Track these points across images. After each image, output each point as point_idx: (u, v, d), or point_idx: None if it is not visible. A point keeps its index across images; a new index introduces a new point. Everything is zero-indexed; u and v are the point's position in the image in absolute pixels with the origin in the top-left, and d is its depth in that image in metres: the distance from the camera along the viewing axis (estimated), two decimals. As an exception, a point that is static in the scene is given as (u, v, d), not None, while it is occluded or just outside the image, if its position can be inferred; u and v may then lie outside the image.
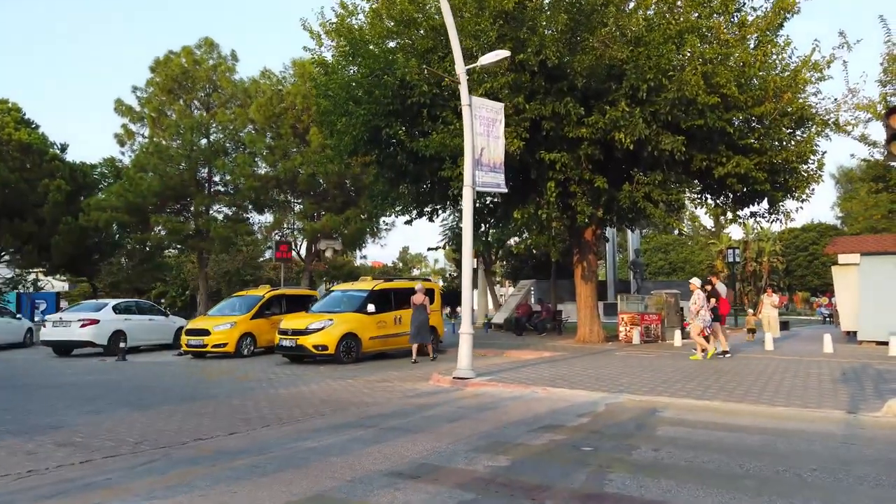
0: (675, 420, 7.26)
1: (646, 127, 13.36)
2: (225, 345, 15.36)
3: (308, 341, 13.69)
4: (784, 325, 27.44)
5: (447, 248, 30.16)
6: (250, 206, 29.69)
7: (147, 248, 34.09)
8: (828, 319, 33.99)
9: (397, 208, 18.52)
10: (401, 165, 15.66)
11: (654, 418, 7.36)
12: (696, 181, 15.53)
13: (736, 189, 14.91)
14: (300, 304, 17.24)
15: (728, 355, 13.62)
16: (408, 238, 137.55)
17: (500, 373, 11.24)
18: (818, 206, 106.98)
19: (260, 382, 11.03)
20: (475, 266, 33.78)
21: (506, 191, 11.04)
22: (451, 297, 35.80)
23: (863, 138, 20.18)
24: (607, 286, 36.02)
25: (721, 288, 15.75)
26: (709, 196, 17.16)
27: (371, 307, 14.34)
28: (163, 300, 40.25)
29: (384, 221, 30.83)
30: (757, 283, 50.64)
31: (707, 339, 13.46)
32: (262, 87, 28.90)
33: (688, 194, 15.08)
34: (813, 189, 15.44)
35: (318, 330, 13.78)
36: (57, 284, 43.55)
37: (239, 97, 29.64)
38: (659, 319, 18.52)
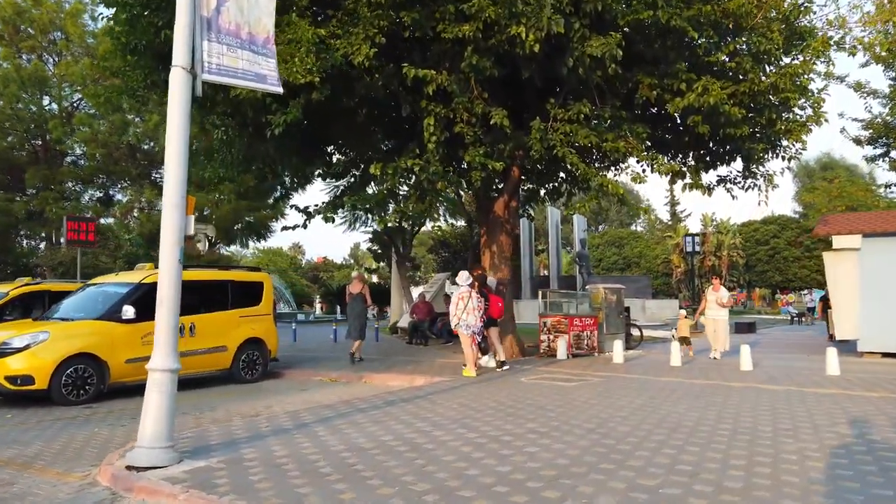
0: None
1: (561, 19, 8.27)
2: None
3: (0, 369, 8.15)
4: (749, 327, 23.09)
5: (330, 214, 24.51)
6: (105, 181, 23.70)
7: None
8: (796, 319, 29.94)
9: (236, 171, 12.99)
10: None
11: None
12: (643, 124, 10.54)
13: (700, 133, 9.95)
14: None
15: (506, 367, 10.79)
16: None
17: (240, 444, 5.94)
18: (776, 198, 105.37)
19: None
20: (375, 245, 28.41)
21: (277, 90, 5.81)
22: (383, 295, 30.67)
23: (858, 86, 15.71)
24: (550, 282, 31.26)
25: (492, 282, 11.97)
26: (665, 152, 12.14)
27: (129, 311, 8.84)
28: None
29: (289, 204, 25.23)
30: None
31: (484, 349, 11.01)
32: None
33: (630, 140, 10.08)
34: (810, 129, 10.59)
35: (20, 350, 8.24)
36: None
37: (93, 47, 23.64)
38: (595, 324, 13.55)
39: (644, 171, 11.47)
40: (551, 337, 13.07)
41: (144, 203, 23.47)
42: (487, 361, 11.69)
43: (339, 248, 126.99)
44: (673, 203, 62.97)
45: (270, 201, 23.93)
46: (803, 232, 47.90)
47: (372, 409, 7.25)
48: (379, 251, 29.29)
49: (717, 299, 12.31)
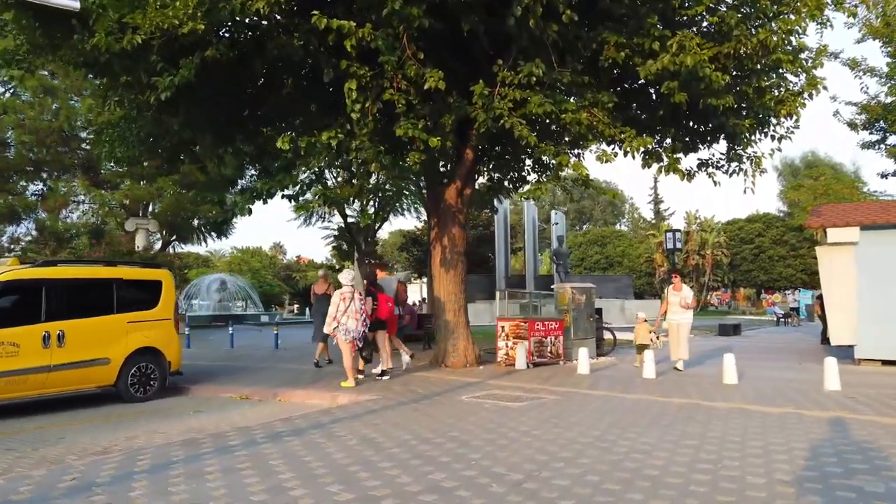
0: None
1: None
2: None
3: None
4: (735, 329, 21.61)
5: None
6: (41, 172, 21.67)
7: None
8: (782, 320, 28.59)
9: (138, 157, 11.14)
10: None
11: None
12: (609, 93, 8.90)
13: (676, 103, 8.33)
14: None
15: (386, 377, 9.71)
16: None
17: None
18: (760, 197, 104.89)
19: None
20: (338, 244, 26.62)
21: (74, 6, 4.13)
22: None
23: (854, 64, 14.22)
24: (526, 282, 29.70)
25: (386, 281, 11.57)
26: (638, 131, 10.45)
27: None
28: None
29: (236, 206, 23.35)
30: (700, 279, 45.51)
31: (368, 355, 9.81)
32: None
33: (595, 111, 8.44)
34: (805, 102, 8.99)
35: None
36: None
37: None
38: (560, 329, 11.92)
39: (613, 150, 9.82)
40: (509, 344, 11.43)
41: (82, 196, 21.49)
42: (407, 364, 10.52)
43: (326, 247, 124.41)
44: (657, 201, 61.77)
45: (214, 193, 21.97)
46: (788, 230, 46.81)
47: (249, 445, 5.54)
48: (344, 248, 27.53)
49: (679, 300, 10.50)
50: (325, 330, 9.35)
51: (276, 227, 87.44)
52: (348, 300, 9.01)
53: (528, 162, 13.16)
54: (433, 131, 8.72)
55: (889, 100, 14.48)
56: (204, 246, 32.94)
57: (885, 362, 11.42)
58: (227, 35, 8.49)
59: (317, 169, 9.30)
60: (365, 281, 10.66)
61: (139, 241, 20.35)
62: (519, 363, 10.97)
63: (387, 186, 22.10)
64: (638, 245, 53.09)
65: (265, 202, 10.26)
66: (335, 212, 22.55)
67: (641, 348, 10.81)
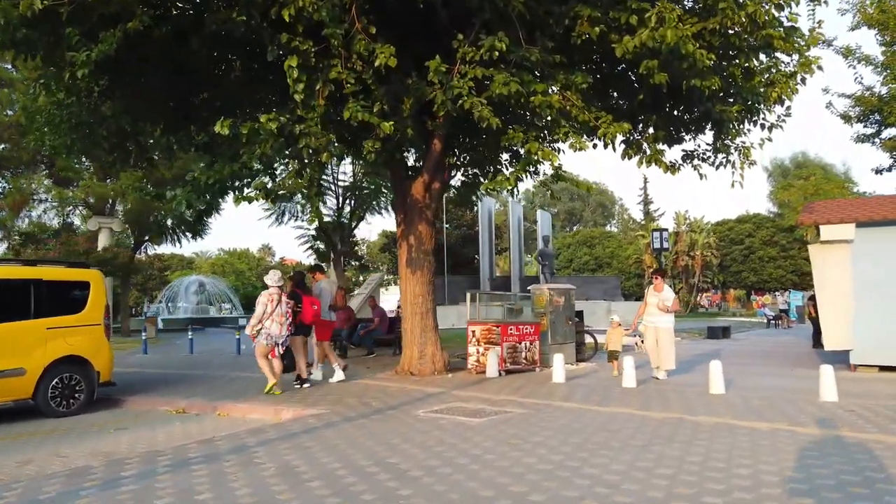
0: None
1: None
2: None
3: None
4: (724, 332, 20.86)
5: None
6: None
7: None
8: (772, 322, 27.91)
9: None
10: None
11: None
12: (584, 74, 8.08)
13: (656, 84, 7.52)
14: None
15: (307, 385, 9.13)
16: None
17: None
18: (750, 198, 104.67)
19: None
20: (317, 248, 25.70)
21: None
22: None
23: (848, 52, 13.50)
24: (511, 283, 28.85)
25: (325, 285, 10.24)
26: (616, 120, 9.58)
27: None
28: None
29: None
30: (689, 280, 44.90)
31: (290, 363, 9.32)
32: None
33: (568, 94, 7.63)
34: (797, 86, 8.21)
35: None
36: None
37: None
38: (537, 333, 11.09)
39: (592, 142, 9.00)
40: (480, 350, 10.58)
41: (43, 194, 20.44)
42: (338, 376, 9.68)
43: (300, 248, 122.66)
44: (646, 202, 61.21)
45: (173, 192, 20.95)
46: (779, 231, 46.28)
47: (144, 477, 4.66)
48: (321, 249, 26.59)
49: (658, 302, 9.56)
50: (247, 331, 8.74)
51: (265, 229, 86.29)
52: (275, 302, 8.51)
53: (506, 157, 12.35)
54: (391, 116, 7.88)
55: (885, 90, 13.77)
56: (178, 246, 31.87)
57: (883, 368, 10.66)
58: (156, 5, 7.60)
59: (265, 159, 8.40)
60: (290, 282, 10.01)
61: (102, 241, 19.34)
62: (490, 371, 10.12)
63: (363, 184, 21.24)
64: (627, 246, 52.41)
65: (211, 197, 9.37)
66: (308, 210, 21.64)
67: (614, 356, 9.96)
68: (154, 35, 7.83)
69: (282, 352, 8.74)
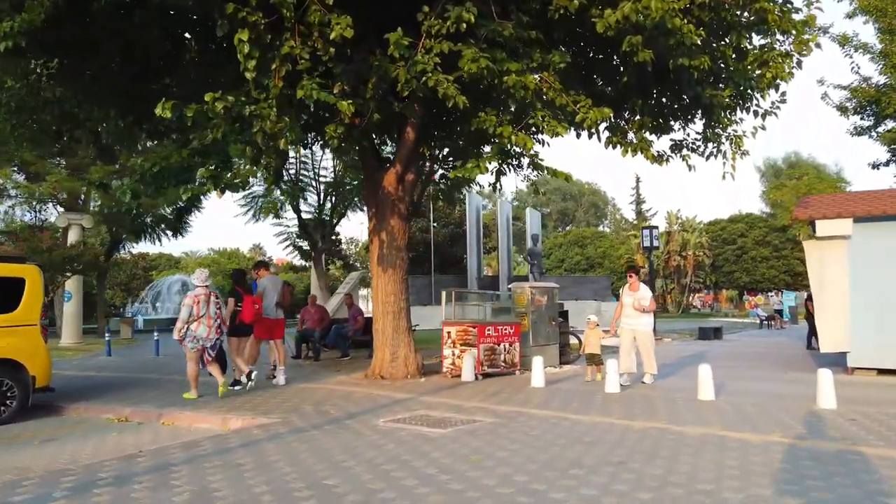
0: None
1: None
2: None
3: None
4: (716, 333, 20.29)
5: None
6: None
7: None
8: (765, 323, 27.41)
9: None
10: None
11: None
12: (561, 53, 7.43)
13: (641, 63, 6.89)
14: None
15: (238, 388, 8.54)
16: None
17: None
18: (742, 198, 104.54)
19: None
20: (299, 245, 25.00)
21: None
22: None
23: (845, 40, 12.93)
24: (499, 283, 28.25)
25: (268, 283, 9.44)
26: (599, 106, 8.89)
27: None
28: None
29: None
30: (681, 280, 44.40)
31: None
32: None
33: (545, 74, 7.00)
34: (793, 68, 7.59)
35: None
36: None
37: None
38: (517, 334, 10.44)
39: (571, 126, 8.36)
40: (456, 352, 9.93)
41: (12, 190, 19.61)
42: (278, 381, 9.22)
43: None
44: (639, 201, 60.75)
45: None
46: (771, 231, 45.88)
47: (37, 502, 3.99)
48: (306, 248, 25.87)
49: (634, 302, 8.77)
50: (174, 335, 8.13)
51: (259, 228, 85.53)
52: (202, 303, 7.94)
53: (488, 149, 11.68)
54: (353, 98, 7.22)
55: (883, 80, 13.20)
56: (158, 245, 31.01)
57: (882, 371, 10.09)
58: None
59: (218, 146, 7.71)
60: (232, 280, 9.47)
61: (72, 238, 18.56)
62: (465, 374, 9.47)
63: (346, 179, 20.56)
64: (619, 246, 51.91)
65: (157, 188, 8.68)
66: (288, 207, 20.90)
67: (592, 359, 9.26)
68: (93, 8, 7.16)
69: (213, 356, 8.17)
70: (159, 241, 29.24)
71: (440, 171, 12.47)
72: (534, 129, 8.10)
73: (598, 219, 76.87)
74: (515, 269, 41.35)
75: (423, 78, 6.46)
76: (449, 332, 10.02)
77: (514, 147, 7.60)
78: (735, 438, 5.54)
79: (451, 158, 11.96)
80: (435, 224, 31.96)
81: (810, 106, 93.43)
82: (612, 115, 7.19)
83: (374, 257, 10.22)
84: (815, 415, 6.60)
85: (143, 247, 32.99)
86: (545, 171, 7.96)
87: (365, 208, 24.34)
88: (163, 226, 27.91)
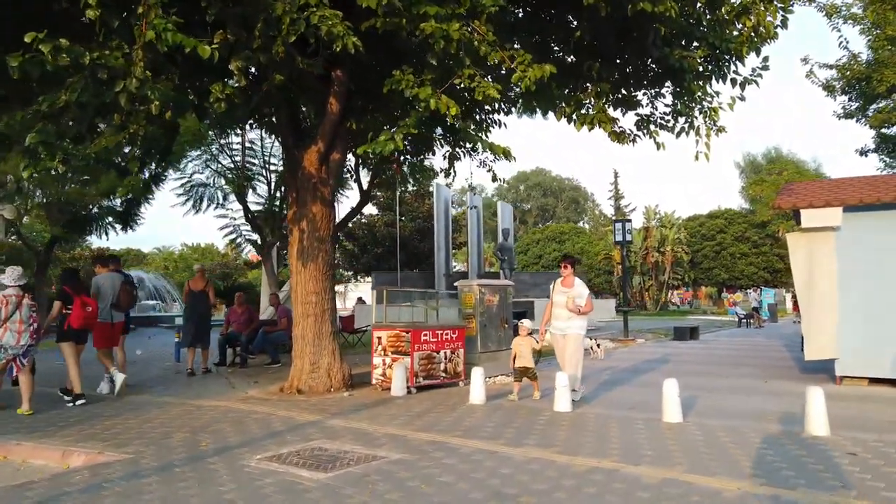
0: None
1: None
2: None
3: None
4: (692, 333, 19.13)
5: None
6: None
7: None
8: (744, 321, 26.36)
9: None
10: None
11: None
12: (512, 20, 6.03)
13: (591, 3, 5.51)
14: None
15: (80, 402, 7.47)
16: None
17: None
18: (721, 193, 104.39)
19: None
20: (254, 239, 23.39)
21: None
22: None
23: (833, 9, 11.71)
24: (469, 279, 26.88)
25: (104, 281, 8.46)
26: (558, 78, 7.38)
27: None
28: None
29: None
30: (660, 277, 43.43)
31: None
32: None
33: (477, 24, 5.60)
34: (778, 11, 6.27)
35: None
36: None
37: None
38: (461, 339, 9.03)
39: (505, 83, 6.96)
40: (388, 360, 8.50)
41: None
42: (116, 389, 8.22)
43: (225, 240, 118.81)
44: (617, 197, 59.74)
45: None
46: (751, 227, 45.10)
47: None
48: (257, 241, 24.20)
49: (567, 301, 7.28)
50: None
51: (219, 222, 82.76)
52: (12, 306, 6.91)
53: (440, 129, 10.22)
54: (238, 50, 5.76)
55: (872, 55, 11.96)
56: (105, 239, 29.15)
57: (873, 381, 8.86)
58: None
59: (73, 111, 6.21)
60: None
61: (-6, 232, 16.84)
62: (395, 388, 8.04)
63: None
64: (597, 242, 50.93)
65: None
66: (232, 197, 19.25)
67: (525, 373, 7.57)
68: None
69: (25, 364, 7.03)
70: (106, 234, 27.39)
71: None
72: (465, 94, 6.68)
73: (578, 215, 75.94)
74: (494, 266, 40.04)
75: (306, 13, 5.00)
76: (379, 338, 8.58)
77: (447, 116, 6.11)
78: (702, 487, 4.19)
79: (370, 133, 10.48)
80: (402, 218, 30.51)
81: (792, 102, 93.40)
82: (554, 71, 5.75)
83: (294, 250, 8.75)
84: (804, 446, 5.28)
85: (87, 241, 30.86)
86: (481, 145, 6.54)
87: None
88: (110, 219, 26.15)
